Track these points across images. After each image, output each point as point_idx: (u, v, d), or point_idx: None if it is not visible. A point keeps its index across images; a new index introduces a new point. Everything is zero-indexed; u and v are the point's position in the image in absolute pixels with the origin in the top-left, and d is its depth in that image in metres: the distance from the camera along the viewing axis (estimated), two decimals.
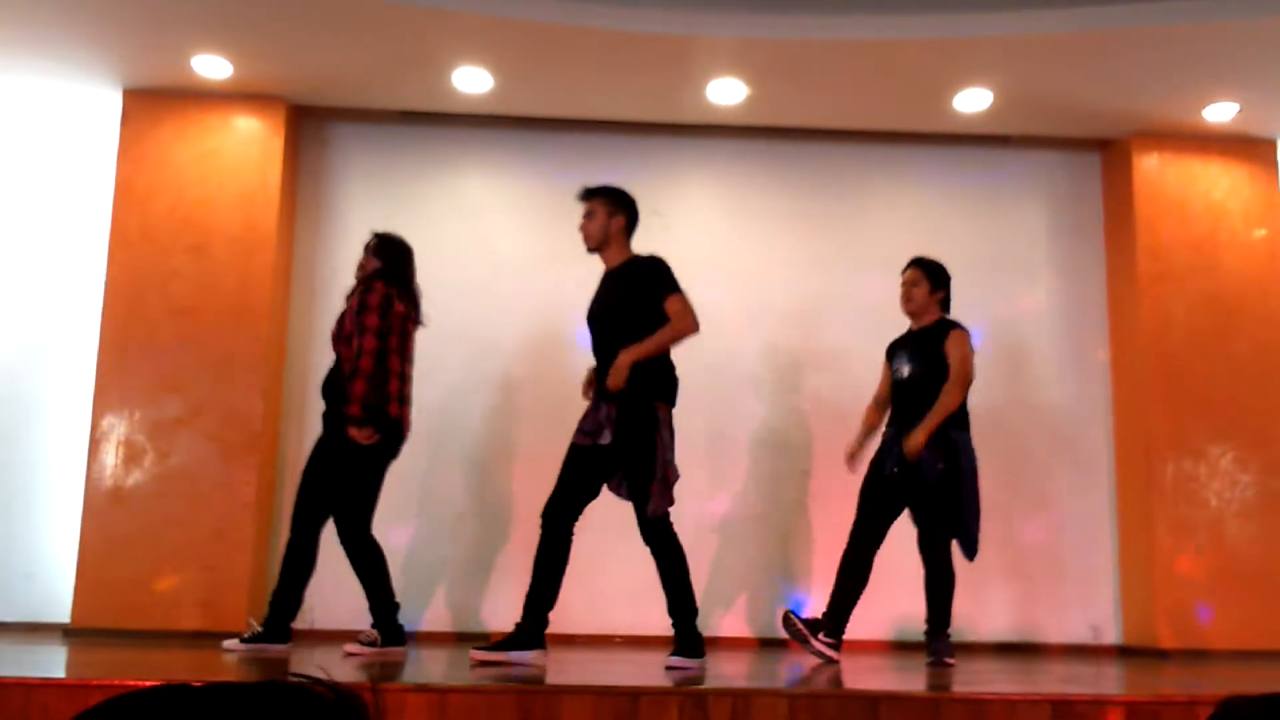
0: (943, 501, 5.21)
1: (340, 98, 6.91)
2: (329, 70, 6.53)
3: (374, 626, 5.01)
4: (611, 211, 4.91)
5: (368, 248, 5.36)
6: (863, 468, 5.44)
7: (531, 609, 4.66)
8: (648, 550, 4.63)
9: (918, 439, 5.14)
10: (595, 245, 4.94)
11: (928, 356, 5.36)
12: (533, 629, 4.63)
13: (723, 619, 6.57)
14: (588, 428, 4.71)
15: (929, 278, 5.48)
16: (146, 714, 0.86)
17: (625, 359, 4.60)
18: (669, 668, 4.43)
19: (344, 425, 4.96)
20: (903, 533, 6.83)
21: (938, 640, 5.23)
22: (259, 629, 5.09)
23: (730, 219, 7.19)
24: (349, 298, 5.24)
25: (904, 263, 7.12)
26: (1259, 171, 7.07)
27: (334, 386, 5.10)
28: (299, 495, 5.17)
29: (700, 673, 4.31)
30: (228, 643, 5.07)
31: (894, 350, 5.57)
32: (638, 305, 4.76)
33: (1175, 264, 6.89)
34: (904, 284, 5.53)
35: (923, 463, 5.16)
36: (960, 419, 5.32)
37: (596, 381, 4.79)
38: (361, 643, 4.96)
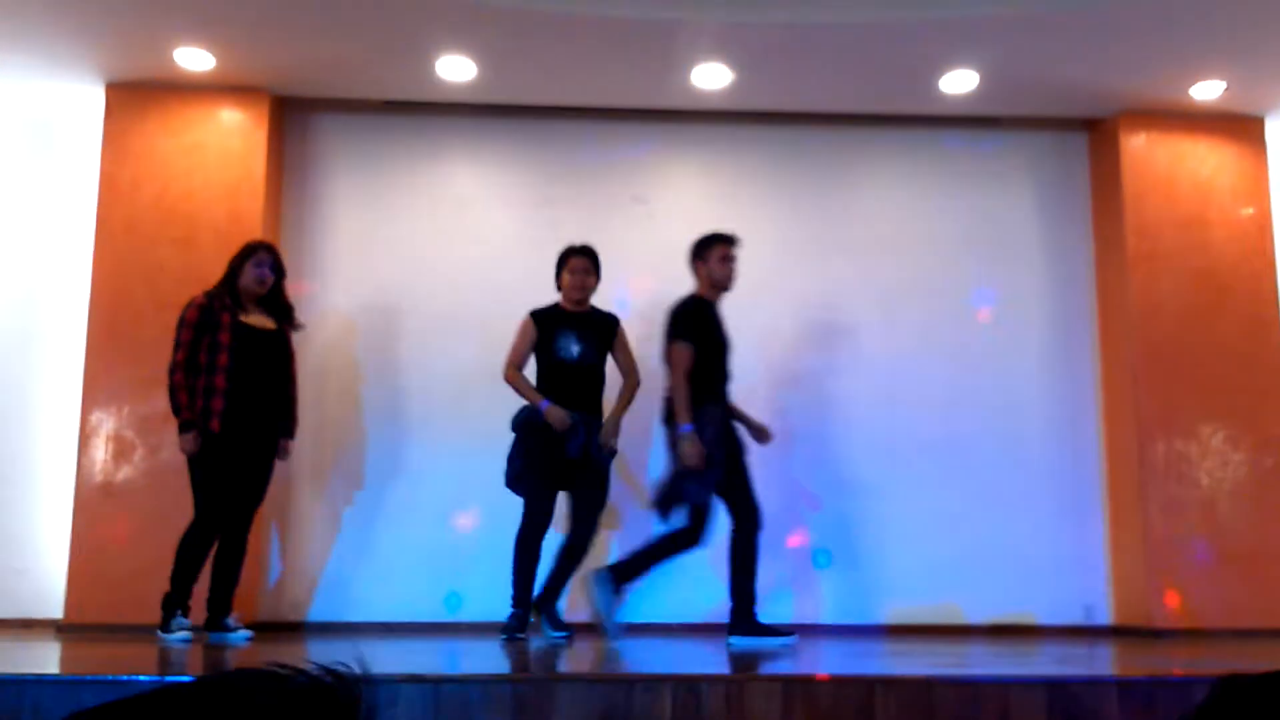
0: (602, 481, 5.62)
1: (324, 88, 6.87)
2: (312, 61, 6.50)
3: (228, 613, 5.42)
4: None
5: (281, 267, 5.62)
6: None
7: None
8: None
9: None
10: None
11: (599, 346, 5.73)
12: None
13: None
14: None
15: (596, 268, 5.80)
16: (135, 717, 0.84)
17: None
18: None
19: (282, 429, 5.55)
20: (909, 517, 6.85)
21: (547, 610, 5.53)
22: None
23: (715, 205, 7.16)
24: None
25: (892, 246, 7.13)
26: (1246, 149, 7.06)
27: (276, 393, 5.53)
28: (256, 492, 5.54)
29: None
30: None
31: (552, 324, 5.73)
32: None
33: (1163, 243, 6.89)
34: (579, 272, 5.74)
35: (602, 450, 5.59)
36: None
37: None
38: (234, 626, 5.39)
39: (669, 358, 5.28)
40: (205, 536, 5.29)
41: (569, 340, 5.67)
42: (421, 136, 7.10)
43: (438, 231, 7.00)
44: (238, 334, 5.34)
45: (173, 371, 5.30)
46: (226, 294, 5.42)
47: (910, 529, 6.80)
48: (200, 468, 5.29)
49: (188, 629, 5.18)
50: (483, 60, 6.45)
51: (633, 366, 5.82)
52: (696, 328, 5.30)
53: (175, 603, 5.22)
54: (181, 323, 5.35)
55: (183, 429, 5.28)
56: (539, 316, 5.76)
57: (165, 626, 5.19)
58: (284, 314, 5.58)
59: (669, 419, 5.28)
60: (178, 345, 5.33)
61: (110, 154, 6.62)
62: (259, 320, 5.47)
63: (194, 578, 5.28)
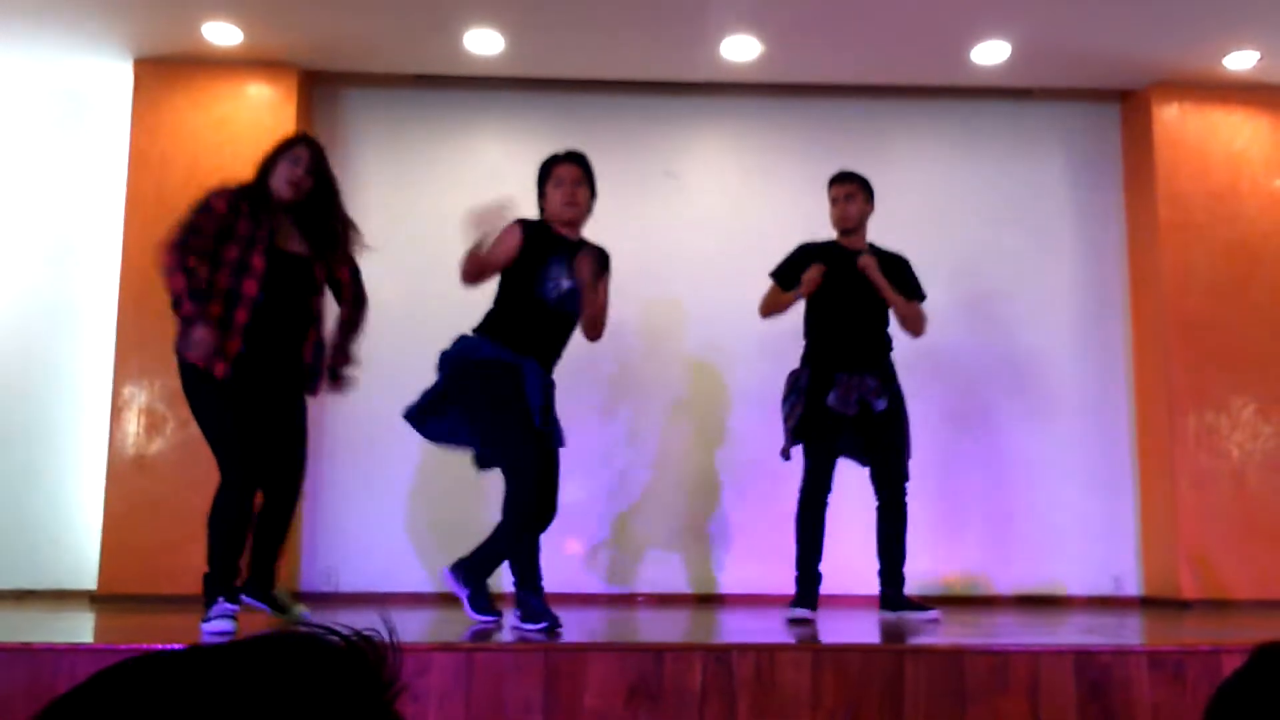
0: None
1: (352, 63, 6.88)
2: (340, 35, 6.50)
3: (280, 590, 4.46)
4: (869, 198, 5.26)
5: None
6: None
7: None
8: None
9: None
10: (853, 226, 5.22)
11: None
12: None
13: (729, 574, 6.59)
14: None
15: (590, 181, 4.49)
16: (154, 679, 0.82)
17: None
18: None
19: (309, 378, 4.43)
20: (938, 487, 6.84)
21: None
22: None
23: (745, 178, 7.15)
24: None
25: (923, 217, 7.09)
26: None
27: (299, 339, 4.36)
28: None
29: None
30: None
31: (544, 245, 4.37)
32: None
33: (1196, 214, 6.83)
34: (568, 183, 4.42)
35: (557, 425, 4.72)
36: None
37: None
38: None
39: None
40: (234, 501, 4.14)
41: (560, 273, 4.29)
42: (450, 111, 7.10)
43: (467, 206, 6.99)
44: (273, 261, 4.13)
45: (173, 250, 3.99)
46: (255, 199, 4.17)
47: (939, 499, 6.79)
48: (211, 416, 4.20)
49: (230, 616, 4.03)
50: (511, 33, 6.44)
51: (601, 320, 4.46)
52: (788, 263, 5.29)
53: (214, 586, 4.11)
54: (204, 208, 4.08)
55: (185, 324, 3.97)
56: (529, 226, 4.36)
57: (204, 614, 4.08)
58: (331, 234, 4.34)
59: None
60: (185, 230, 4.03)
61: (140, 129, 6.65)
62: (293, 244, 4.25)
63: (233, 552, 4.17)
